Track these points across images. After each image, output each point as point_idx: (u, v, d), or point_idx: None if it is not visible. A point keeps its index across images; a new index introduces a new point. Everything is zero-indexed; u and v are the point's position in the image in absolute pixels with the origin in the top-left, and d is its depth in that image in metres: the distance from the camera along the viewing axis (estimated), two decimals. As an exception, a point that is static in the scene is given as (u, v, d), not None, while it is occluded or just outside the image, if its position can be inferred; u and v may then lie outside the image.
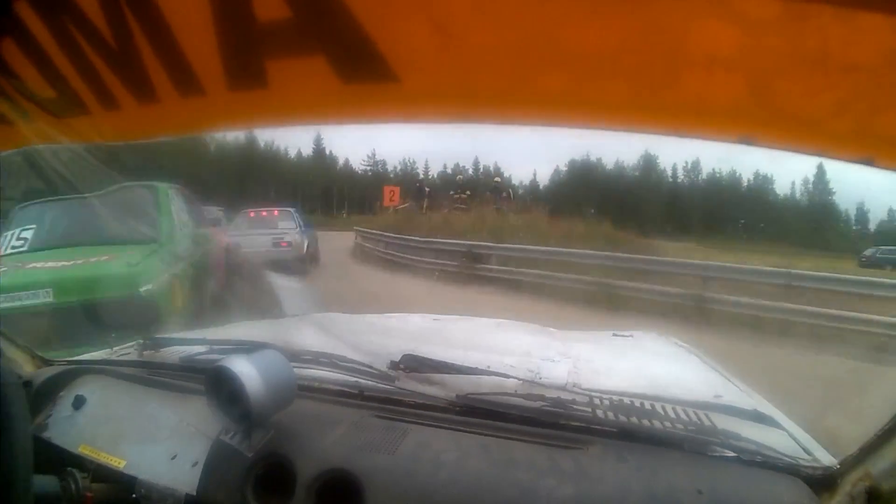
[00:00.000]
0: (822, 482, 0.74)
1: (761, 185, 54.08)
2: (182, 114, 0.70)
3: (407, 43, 0.54)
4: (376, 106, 0.62)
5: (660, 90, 0.51)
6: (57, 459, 0.89)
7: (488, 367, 1.04)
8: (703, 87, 0.49)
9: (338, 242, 14.15)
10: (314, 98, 0.64)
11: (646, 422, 0.88)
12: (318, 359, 1.05)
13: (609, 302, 6.84)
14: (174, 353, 1.17)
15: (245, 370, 0.77)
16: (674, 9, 0.45)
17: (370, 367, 1.02)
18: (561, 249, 8.58)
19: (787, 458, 0.79)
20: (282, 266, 7.50)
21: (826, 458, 0.83)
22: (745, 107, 0.49)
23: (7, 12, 0.63)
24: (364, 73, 0.57)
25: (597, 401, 0.92)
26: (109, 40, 0.63)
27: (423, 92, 0.59)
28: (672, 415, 0.90)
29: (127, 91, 0.69)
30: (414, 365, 1.02)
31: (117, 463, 0.88)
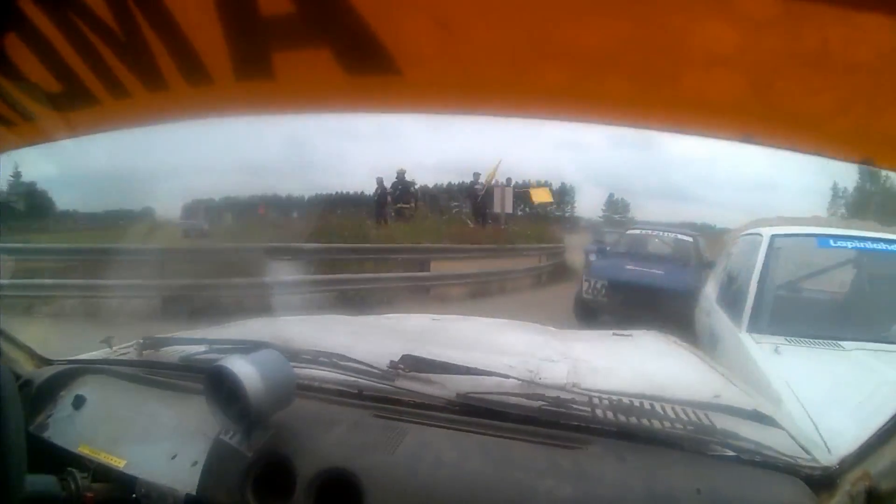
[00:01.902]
0: (822, 482, 0.74)
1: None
2: (192, 102, 0.72)
3: (409, 37, 0.55)
4: (380, 97, 0.63)
5: (660, 86, 0.51)
6: (57, 459, 0.89)
7: (488, 367, 1.03)
8: (704, 85, 0.49)
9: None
10: (319, 89, 0.65)
11: (645, 421, 0.88)
12: (318, 358, 1.05)
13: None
14: (174, 352, 1.16)
15: (244, 370, 0.77)
16: (675, 6, 0.45)
17: (370, 366, 1.02)
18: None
19: (786, 458, 0.79)
20: None
21: (825, 458, 0.82)
22: (745, 105, 0.49)
23: (9, 9, 0.63)
24: (368, 65, 0.58)
25: (596, 400, 0.92)
26: (119, 31, 0.64)
27: (425, 85, 0.60)
28: (671, 414, 0.90)
29: (136, 79, 0.70)
30: (413, 365, 1.02)
31: (117, 463, 0.88)
